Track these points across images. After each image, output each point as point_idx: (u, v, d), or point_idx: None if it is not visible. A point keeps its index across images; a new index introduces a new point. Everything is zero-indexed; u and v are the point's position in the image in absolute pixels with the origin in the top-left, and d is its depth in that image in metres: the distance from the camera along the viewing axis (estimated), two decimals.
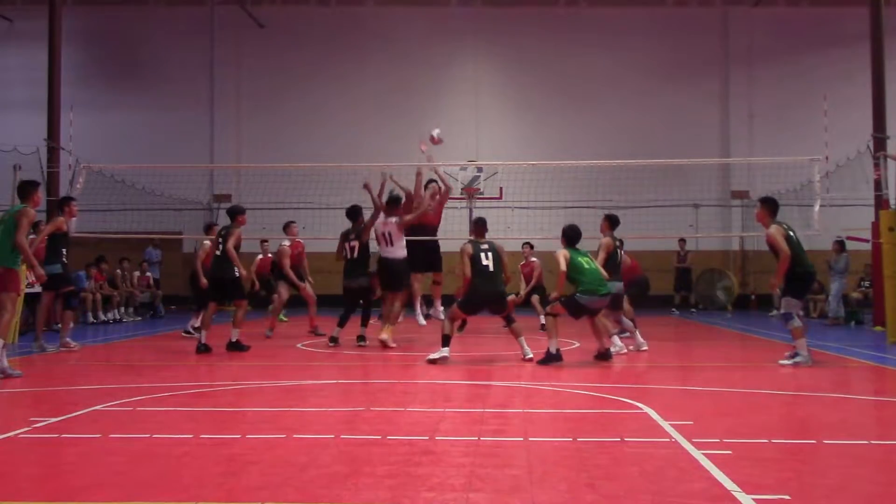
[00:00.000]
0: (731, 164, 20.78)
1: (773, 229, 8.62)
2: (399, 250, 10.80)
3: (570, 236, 9.19)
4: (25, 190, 8.24)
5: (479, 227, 9.66)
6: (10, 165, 13.34)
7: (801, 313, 9.02)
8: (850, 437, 4.95)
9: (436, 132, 10.88)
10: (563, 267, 8.77)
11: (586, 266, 8.82)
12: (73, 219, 10.72)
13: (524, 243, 14.91)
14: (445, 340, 8.84)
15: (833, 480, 3.94)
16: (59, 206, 10.79)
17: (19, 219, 7.74)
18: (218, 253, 10.80)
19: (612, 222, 10.21)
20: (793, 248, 8.54)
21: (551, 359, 8.65)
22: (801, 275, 8.59)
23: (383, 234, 10.87)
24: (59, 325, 10.74)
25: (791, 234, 8.74)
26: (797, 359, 8.49)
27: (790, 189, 18.14)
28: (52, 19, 15.82)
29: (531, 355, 8.96)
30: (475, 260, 9.02)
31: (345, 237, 11.14)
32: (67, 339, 10.41)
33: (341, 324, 10.95)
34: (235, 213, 11.23)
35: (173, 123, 22.29)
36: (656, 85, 22.10)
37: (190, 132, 22.32)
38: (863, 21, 15.88)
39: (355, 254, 10.99)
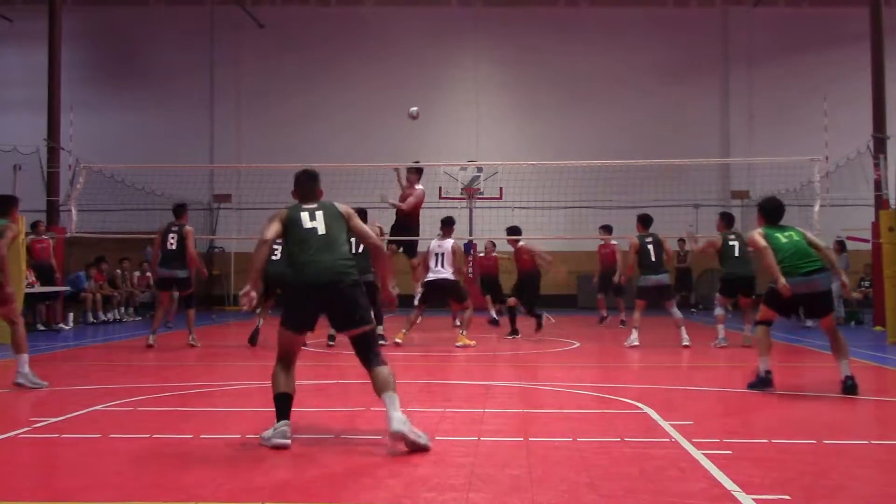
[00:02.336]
0: (731, 164, 20.79)
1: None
2: (449, 271, 10.88)
3: (769, 210, 7.10)
4: (4, 205, 7.39)
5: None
6: (11, 165, 13.35)
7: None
8: (850, 437, 4.95)
9: (413, 110, 11.67)
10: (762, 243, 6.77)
11: (784, 241, 6.78)
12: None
13: (488, 241, 15.16)
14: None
15: (833, 480, 3.94)
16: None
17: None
18: (171, 248, 10.91)
19: (645, 222, 11.20)
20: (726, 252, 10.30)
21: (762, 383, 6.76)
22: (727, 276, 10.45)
23: (437, 255, 10.94)
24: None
25: (732, 242, 10.42)
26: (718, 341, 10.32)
27: (790, 189, 18.13)
28: (52, 19, 15.83)
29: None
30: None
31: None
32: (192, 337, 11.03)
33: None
34: (183, 210, 11.32)
35: (173, 123, 22.31)
36: (656, 85, 22.11)
37: (190, 132, 22.34)
38: (863, 21, 15.88)
39: (360, 248, 10.93)
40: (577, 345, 11.05)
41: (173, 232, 10.93)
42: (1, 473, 4.13)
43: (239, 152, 22.61)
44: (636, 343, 10.57)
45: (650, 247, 10.88)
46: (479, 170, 19.82)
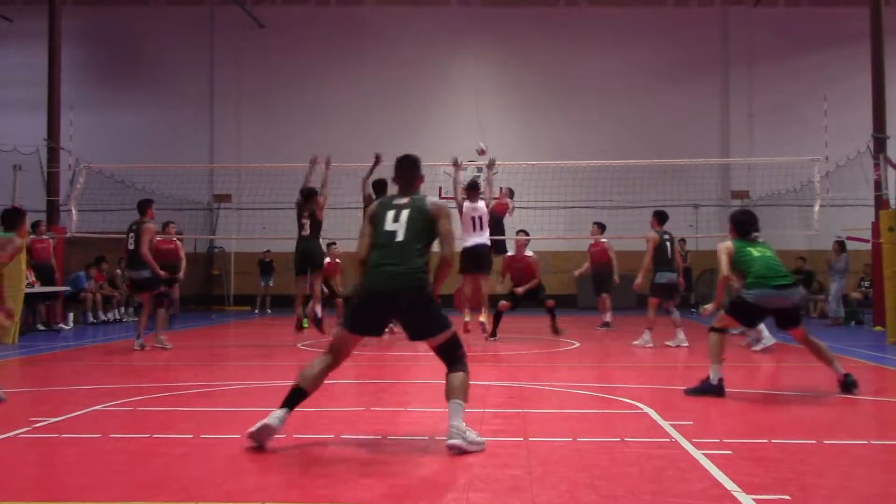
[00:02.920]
0: (731, 164, 20.79)
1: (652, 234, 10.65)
2: (483, 235, 10.90)
3: (741, 222, 7.03)
4: (13, 219, 7.33)
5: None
6: (11, 165, 13.34)
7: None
8: (850, 437, 4.95)
9: (482, 145, 11.93)
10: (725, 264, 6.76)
11: (757, 254, 6.70)
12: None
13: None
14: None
15: (833, 480, 3.94)
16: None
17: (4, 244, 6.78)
18: (131, 248, 10.57)
19: (661, 218, 11.07)
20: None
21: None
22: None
23: (472, 219, 10.89)
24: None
25: (666, 242, 10.71)
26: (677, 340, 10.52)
27: (790, 189, 18.14)
28: (52, 19, 15.83)
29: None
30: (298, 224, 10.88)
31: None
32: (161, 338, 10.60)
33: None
34: (145, 207, 10.94)
35: (173, 123, 22.31)
36: (656, 85, 22.11)
37: (190, 132, 22.34)
38: (863, 21, 15.87)
39: None
40: (577, 345, 11.05)
41: (132, 231, 10.61)
42: (1, 473, 4.13)
43: (239, 152, 22.60)
44: (650, 345, 10.52)
45: (668, 243, 10.83)
46: (480, 170, 19.80)
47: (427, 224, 4.85)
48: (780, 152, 17.70)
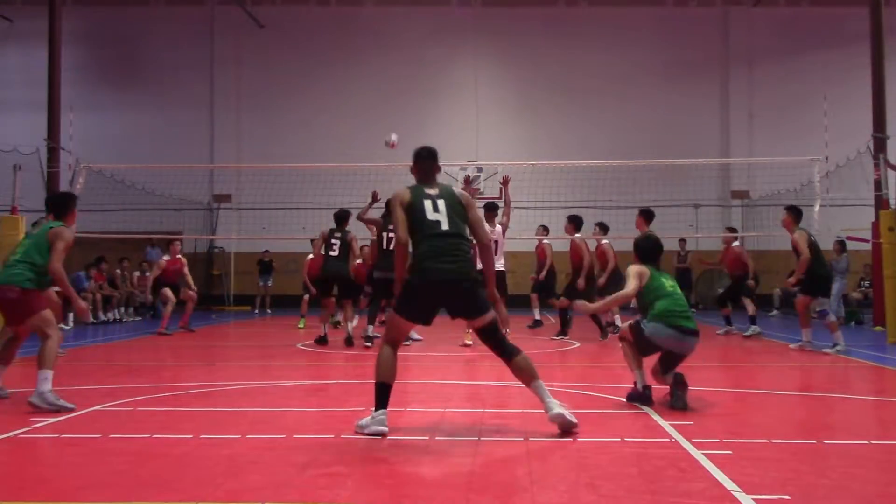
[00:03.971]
0: (731, 164, 20.80)
1: (797, 235, 9.93)
2: (500, 260, 10.75)
3: (646, 250, 6.54)
4: (64, 205, 6.78)
5: (338, 218, 11.14)
6: (10, 165, 13.33)
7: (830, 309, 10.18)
8: (850, 437, 4.95)
9: (393, 137, 10.79)
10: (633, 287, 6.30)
11: (669, 287, 6.30)
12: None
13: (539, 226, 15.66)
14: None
15: (833, 480, 3.94)
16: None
17: (54, 241, 6.42)
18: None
19: (648, 217, 11.04)
20: (814, 252, 9.79)
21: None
22: (822, 275, 9.90)
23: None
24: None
25: (813, 239, 9.98)
26: (837, 348, 9.59)
27: (790, 189, 18.14)
28: (52, 19, 15.82)
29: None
30: (326, 243, 10.88)
31: (383, 227, 10.60)
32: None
33: (372, 320, 10.75)
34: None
35: (173, 123, 22.31)
36: (656, 85, 22.11)
37: (190, 132, 22.34)
38: (863, 21, 15.88)
39: (391, 245, 10.83)
40: (577, 345, 11.05)
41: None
42: (1, 473, 4.13)
43: (239, 152, 22.61)
44: None
45: None
46: (479, 170, 19.83)
47: (462, 212, 5.10)
48: (780, 152, 17.72)
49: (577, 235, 12.60)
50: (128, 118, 22.32)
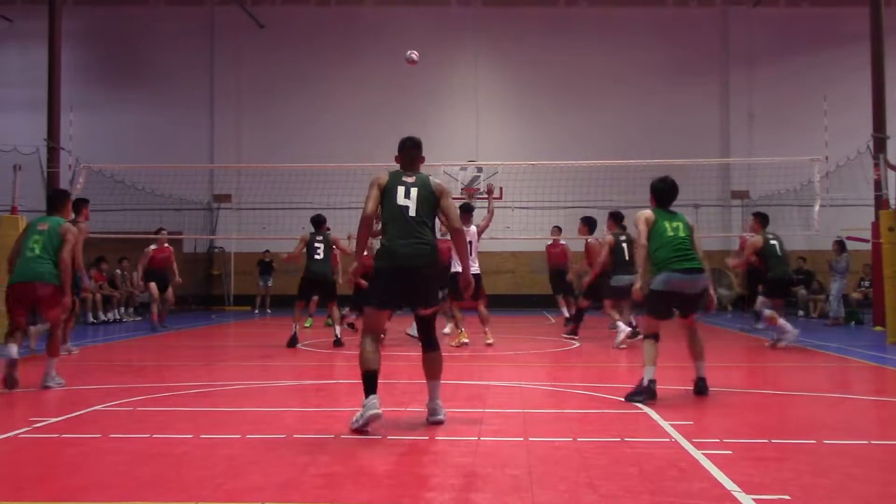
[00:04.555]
0: (731, 164, 20.80)
1: (752, 239, 10.64)
2: (475, 263, 10.67)
3: (661, 190, 6.86)
4: (59, 201, 7.54)
5: (316, 222, 11.29)
6: (10, 165, 13.33)
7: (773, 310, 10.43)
8: (850, 437, 4.94)
9: (413, 55, 10.56)
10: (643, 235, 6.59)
11: (670, 234, 6.52)
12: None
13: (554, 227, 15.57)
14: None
15: (833, 480, 3.94)
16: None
17: (65, 235, 7.08)
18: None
19: (617, 219, 11.02)
20: (771, 256, 10.28)
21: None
22: (777, 278, 10.39)
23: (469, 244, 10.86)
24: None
25: (773, 244, 10.41)
26: (781, 342, 10.07)
27: (790, 189, 18.14)
28: (52, 19, 15.81)
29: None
30: (309, 247, 10.96)
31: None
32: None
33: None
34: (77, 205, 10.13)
35: (173, 123, 22.32)
36: (656, 85, 22.12)
37: (190, 132, 22.35)
38: (863, 21, 15.87)
39: None
40: (577, 345, 11.05)
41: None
42: (1, 473, 4.13)
43: (239, 152, 22.61)
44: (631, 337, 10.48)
45: (624, 245, 10.77)
46: (479, 170, 19.85)
47: (433, 201, 5.34)
48: (780, 152, 17.71)
49: (591, 238, 12.64)
50: (128, 118, 22.33)
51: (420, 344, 5.45)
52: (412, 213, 5.23)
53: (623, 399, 6.14)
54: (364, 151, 19.59)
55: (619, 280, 10.53)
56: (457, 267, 10.59)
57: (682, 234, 6.46)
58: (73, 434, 5.04)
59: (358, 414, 5.02)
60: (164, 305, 14.46)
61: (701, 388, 6.40)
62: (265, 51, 22.86)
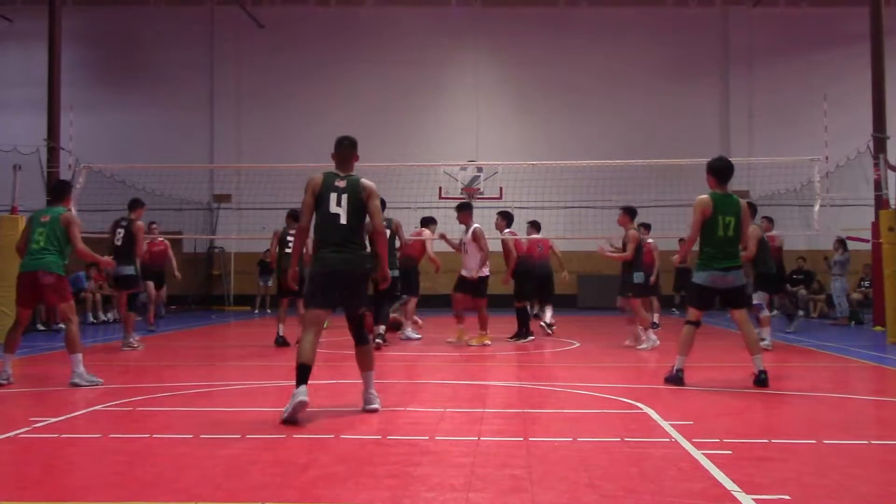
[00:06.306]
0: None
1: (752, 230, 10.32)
2: (485, 267, 10.80)
3: (719, 169, 7.10)
4: (63, 191, 7.89)
5: (293, 216, 11.11)
6: (10, 165, 13.33)
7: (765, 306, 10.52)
8: (850, 437, 4.94)
9: None
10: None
11: (720, 234, 6.94)
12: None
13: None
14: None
15: (833, 480, 3.94)
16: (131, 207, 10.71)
17: (70, 227, 7.35)
18: (118, 244, 10.49)
19: (633, 214, 10.79)
20: (762, 249, 10.11)
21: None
22: (765, 273, 10.31)
23: (463, 244, 10.95)
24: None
25: (763, 237, 10.31)
26: (764, 343, 9.72)
27: (790, 189, 18.14)
28: (52, 19, 15.82)
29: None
30: (282, 242, 11.12)
31: (387, 226, 10.63)
32: (130, 339, 10.38)
33: (385, 321, 10.77)
34: (136, 206, 10.85)
35: (173, 123, 22.32)
36: (656, 85, 22.12)
37: (190, 132, 22.35)
38: (863, 21, 15.88)
39: (398, 243, 10.94)
40: (577, 345, 11.05)
41: (121, 227, 10.57)
42: (1, 473, 4.13)
43: (239, 152, 22.62)
44: (657, 342, 10.41)
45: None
46: (479, 170, 19.85)
47: (362, 205, 5.61)
48: (780, 152, 17.71)
49: (649, 237, 12.75)
50: (128, 118, 22.33)
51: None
52: (343, 220, 5.50)
53: (664, 382, 6.93)
54: (364, 151, 19.51)
55: (639, 277, 10.48)
56: (478, 273, 10.63)
57: (731, 233, 6.89)
58: (73, 434, 5.04)
59: (286, 406, 5.23)
60: (154, 306, 14.45)
61: (762, 379, 6.72)
62: (265, 51, 22.86)
